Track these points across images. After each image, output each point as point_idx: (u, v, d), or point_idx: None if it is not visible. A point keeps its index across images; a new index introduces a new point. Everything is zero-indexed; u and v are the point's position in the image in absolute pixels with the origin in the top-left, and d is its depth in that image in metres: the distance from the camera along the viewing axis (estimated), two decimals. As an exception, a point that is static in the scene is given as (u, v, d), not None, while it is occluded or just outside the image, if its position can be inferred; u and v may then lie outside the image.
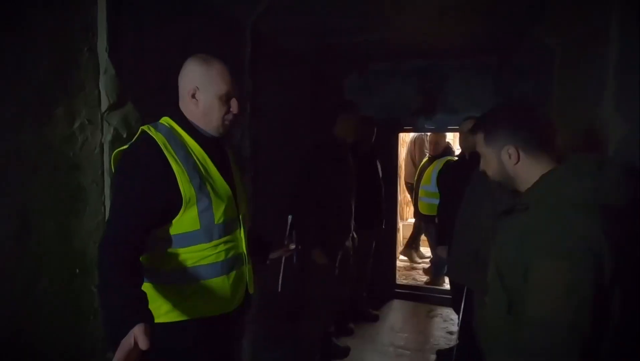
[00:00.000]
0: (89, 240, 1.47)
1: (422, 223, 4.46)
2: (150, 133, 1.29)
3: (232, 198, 1.41)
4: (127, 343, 0.97)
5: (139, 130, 1.31)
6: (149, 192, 1.23)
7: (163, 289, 1.31)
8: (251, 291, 1.53)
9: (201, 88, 1.33)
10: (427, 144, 4.88)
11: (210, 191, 1.33)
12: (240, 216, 1.46)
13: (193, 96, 1.34)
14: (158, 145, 1.26)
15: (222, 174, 1.39)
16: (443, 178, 3.96)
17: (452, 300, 3.13)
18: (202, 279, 1.33)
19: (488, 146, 1.25)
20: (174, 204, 1.27)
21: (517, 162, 1.19)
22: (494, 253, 1.23)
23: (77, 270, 1.43)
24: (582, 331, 0.99)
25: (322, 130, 2.89)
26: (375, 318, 3.70)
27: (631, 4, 1.70)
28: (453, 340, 3.29)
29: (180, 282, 1.32)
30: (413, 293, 4.23)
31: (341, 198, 2.80)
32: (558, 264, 1.01)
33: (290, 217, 1.56)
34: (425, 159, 4.69)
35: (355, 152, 2.98)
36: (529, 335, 1.05)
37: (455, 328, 3.50)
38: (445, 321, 3.74)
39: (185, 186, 1.27)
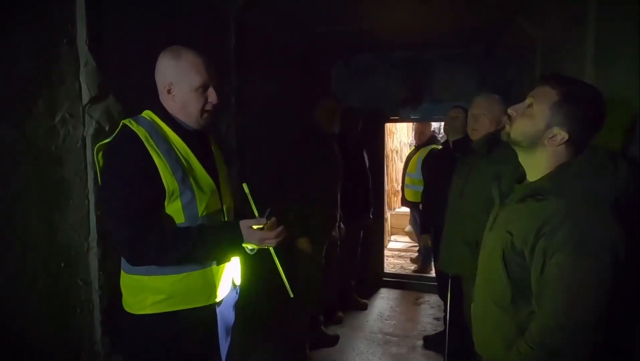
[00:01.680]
0: (73, 234, 1.46)
1: (412, 210, 4.53)
2: (131, 127, 1.29)
3: (216, 190, 1.42)
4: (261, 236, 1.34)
5: (120, 124, 1.30)
6: (137, 182, 1.24)
7: (149, 281, 1.32)
8: (238, 282, 1.55)
9: (175, 83, 1.33)
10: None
11: (193, 184, 1.33)
12: (225, 208, 1.47)
13: (169, 92, 1.34)
14: (139, 139, 1.27)
15: (205, 167, 1.39)
16: (427, 166, 4.03)
17: (438, 288, 3.19)
18: (187, 271, 1.34)
19: (550, 110, 1.10)
20: (158, 198, 1.28)
21: (553, 146, 1.12)
22: (500, 240, 1.20)
23: (62, 264, 1.43)
24: (600, 329, 1.01)
25: (307, 121, 2.89)
26: (364, 307, 3.75)
27: None
28: (439, 326, 3.36)
29: (166, 273, 1.33)
30: (401, 281, 4.29)
31: (327, 188, 2.82)
32: (583, 260, 1.01)
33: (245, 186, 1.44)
34: (412, 149, 4.74)
35: (342, 143, 2.99)
36: (546, 327, 1.05)
37: (441, 315, 3.58)
38: (432, 308, 3.81)
39: (167, 179, 1.27)
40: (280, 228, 1.37)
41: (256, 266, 1.77)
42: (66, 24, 1.41)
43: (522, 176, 1.31)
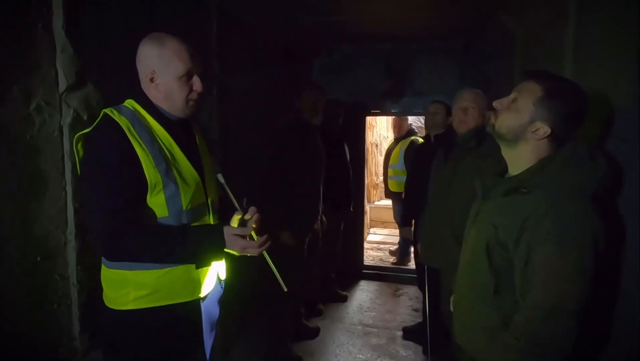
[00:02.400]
0: (51, 226, 1.41)
1: (395, 201, 4.57)
2: (112, 116, 1.24)
3: (201, 183, 1.39)
4: (243, 245, 1.30)
5: (101, 113, 1.25)
6: (118, 174, 1.20)
7: (132, 275, 1.28)
8: (223, 277, 1.52)
9: (158, 71, 1.28)
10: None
11: (177, 176, 1.30)
12: (209, 201, 1.44)
13: (152, 80, 1.29)
14: (121, 128, 1.22)
15: (189, 159, 1.35)
16: (409, 158, 4.09)
17: (418, 280, 3.23)
18: (171, 266, 1.31)
19: (534, 106, 1.13)
20: (139, 191, 1.24)
21: (536, 140, 1.15)
22: (484, 233, 1.22)
23: (39, 258, 1.38)
24: (582, 315, 1.04)
25: (290, 112, 2.87)
26: (344, 299, 3.78)
27: None
28: (418, 317, 3.42)
29: (149, 268, 1.29)
30: (380, 273, 4.34)
31: (310, 180, 2.81)
32: (567, 251, 1.04)
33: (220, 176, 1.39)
34: (391, 142, 4.78)
35: (324, 135, 2.98)
36: (532, 318, 1.08)
37: (420, 306, 3.64)
38: (410, 299, 3.87)
39: (150, 172, 1.23)
40: (264, 238, 1.33)
41: (240, 259, 1.75)
42: (41, 7, 1.34)
43: (503, 169, 1.34)
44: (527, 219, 1.10)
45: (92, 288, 1.43)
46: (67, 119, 1.42)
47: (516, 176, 1.21)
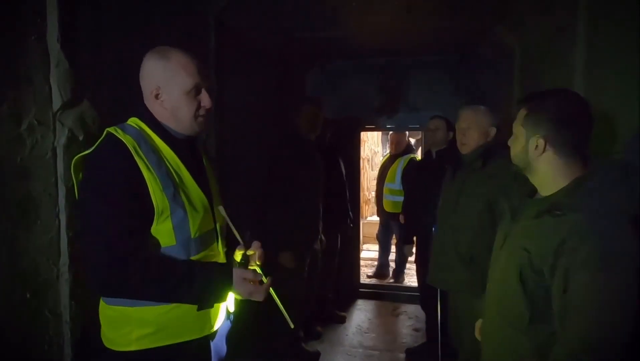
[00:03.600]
0: (41, 258, 1.27)
1: (388, 220, 4.47)
2: (117, 135, 1.13)
3: (209, 207, 1.28)
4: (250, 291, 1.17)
5: (105, 132, 1.14)
6: (122, 199, 1.08)
7: (134, 312, 1.15)
8: (232, 309, 1.40)
9: (164, 87, 1.18)
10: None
11: (185, 201, 1.18)
12: (218, 227, 1.32)
13: (157, 97, 1.19)
14: (127, 148, 1.11)
15: (197, 181, 1.25)
16: (408, 176, 4.02)
17: (421, 300, 3.14)
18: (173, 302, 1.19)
19: (522, 127, 1.17)
20: (145, 218, 1.12)
21: (540, 155, 1.14)
22: (515, 258, 1.16)
23: (28, 294, 1.24)
24: (627, 346, 0.97)
25: (287, 127, 2.78)
26: (343, 320, 3.65)
27: (598, 3, 1.73)
28: (420, 337, 3.32)
29: (153, 303, 1.17)
30: (377, 292, 4.23)
31: (309, 198, 2.71)
32: (610, 277, 0.97)
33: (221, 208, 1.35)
34: (385, 157, 4.70)
35: (320, 150, 2.90)
36: (575, 351, 1.00)
37: (420, 325, 3.54)
38: (410, 318, 3.76)
39: (157, 196, 1.12)
40: (270, 281, 1.21)
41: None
42: (34, 17, 1.23)
43: (532, 190, 1.28)
44: (563, 243, 1.04)
45: (87, 325, 1.29)
46: (61, 140, 1.30)
47: (548, 197, 1.16)
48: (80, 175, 1.13)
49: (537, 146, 1.14)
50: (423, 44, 3.44)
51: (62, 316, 1.32)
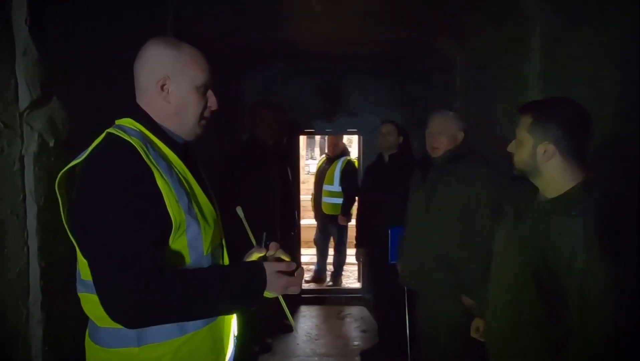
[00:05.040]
0: (8, 298, 1.00)
1: (326, 223, 4.47)
2: (122, 136, 0.94)
3: (218, 219, 1.13)
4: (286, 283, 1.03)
5: (104, 133, 0.95)
6: (139, 210, 0.90)
7: (143, 353, 0.97)
8: (235, 332, 1.26)
9: (173, 77, 1.02)
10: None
11: (198, 213, 1.03)
12: (224, 241, 1.19)
13: (162, 88, 1.02)
14: (137, 151, 0.93)
15: (204, 191, 1.10)
16: (348, 179, 4.08)
17: (375, 301, 3.18)
18: (193, 330, 1.03)
19: (529, 133, 1.21)
20: (164, 233, 0.95)
21: (549, 160, 1.19)
22: (528, 257, 1.19)
23: (-5, 345, 0.97)
24: None
25: (239, 132, 2.62)
26: (291, 328, 3.55)
27: (553, 16, 1.89)
28: (369, 339, 3.36)
29: (165, 338, 0.99)
30: (319, 297, 4.20)
31: (267, 206, 2.59)
32: (627, 276, 1.04)
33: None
34: (322, 160, 4.68)
35: (277, 157, 2.79)
36: (590, 347, 1.05)
37: (367, 327, 3.60)
38: (356, 320, 3.80)
39: (174, 208, 0.95)
40: (301, 269, 1.11)
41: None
42: (-5, -6, 0.97)
43: (531, 192, 1.34)
44: (579, 243, 1.10)
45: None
46: (30, 147, 1.04)
47: (558, 198, 1.22)
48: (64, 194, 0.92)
49: (545, 151, 1.19)
50: (363, 51, 3.50)
51: (34, 367, 1.06)
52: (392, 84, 3.92)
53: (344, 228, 4.54)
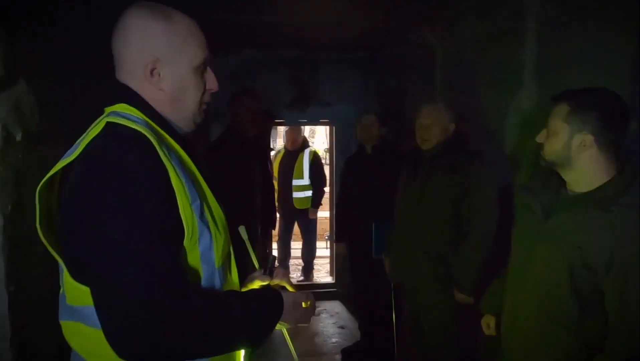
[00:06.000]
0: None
1: (296, 217, 4.33)
2: (129, 125, 0.78)
3: (226, 224, 0.97)
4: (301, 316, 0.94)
5: (102, 123, 0.77)
6: (160, 219, 0.74)
7: None
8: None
9: (165, 59, 0.85)
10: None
11: (210, 219, 0.88)
12: (232, 251, 1.03)
13: (152, 73, 0.85)
14: (152, 144, 0.77)
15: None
16: (316, 171, 4.09)
17: (355, 297, 3.08)
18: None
19: (566, 122, 1.16)
20: (180, 245, 0.80)
21: (585, 151, 1.14)
22: (562, 254, 1.15)
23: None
24: None
25: (207, 122, 2.41)
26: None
27: (550, 5, 1.86)
28: (348, 335, 3.30)
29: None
30: (292, 293, 4.07)
31: (248, 203, 2.41)
32: None
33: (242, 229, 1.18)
34: (281, 153, 4.47)
35: (258, 151, 2.61)
36: (628, 346, 1.03)
37: (344, 322, 3.54)
38: (332, 316, 3.72)
39: (187, 213, 0.80)
40: (313, 302, 1.00)
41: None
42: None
43: (556, 186, 1.29)
44: (621, 239, 1.07)
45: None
46: (-7, 141, 0.82)
47: (593, 192, 1.17)
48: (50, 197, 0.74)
49: (582, 142, 1.14)
50: (337, 39, 3.37)
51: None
52: (366, 74, 3.83)
53: (314, 221, 4.43)
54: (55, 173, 0.77)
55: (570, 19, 1.74)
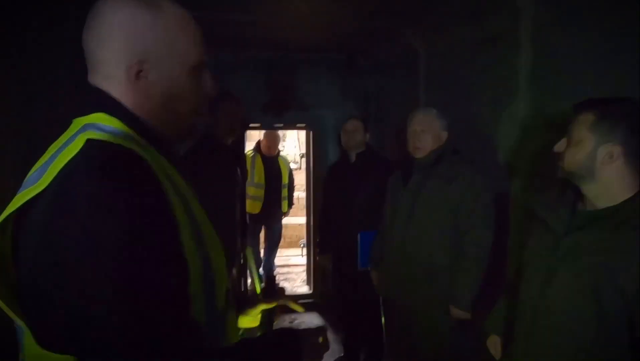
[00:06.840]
0: None
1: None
2: (118, 142, 0.64)
3: (223, 252, 0.83)
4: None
5: (83, 140, 0.61)
6: (160, 246, 0.60)
7: None
8: None
9: (154, 58, 0.70)
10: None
11: (210, 250, 0.74)
12: (228, 284, 0.88)
13: (138, 76, 0.69)
14: (146, 164, 0.64)
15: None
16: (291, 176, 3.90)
17: (344, 310, 2.93)
18: None
19: (591, 132, 1.09)
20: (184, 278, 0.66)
21: (611, 164, 1.08)
22: (585, 274, 1.08)
23: None
24: None
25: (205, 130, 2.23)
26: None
27: (545, 7, 1.81)
28: (331, 350, 3.16)
29: None
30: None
31: (226, 216, 2.23)
32: None
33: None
34: (258, 160, 4.25)
35: (237, 156, 2.44)
36: None
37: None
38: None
39: (190, 246, 0.66)
40: (325, 340, 0.89)
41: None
42: None
43: (569, 201, 1.22)
44: None
45: None
46: None
47: (617, 208, 1.10)
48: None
49: (608, 153, 1.08)
50: (314, 40, 3.24)
51: None
52: (345, 77, 3.72)
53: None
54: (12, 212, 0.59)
55: (566, 22, 1.69)
